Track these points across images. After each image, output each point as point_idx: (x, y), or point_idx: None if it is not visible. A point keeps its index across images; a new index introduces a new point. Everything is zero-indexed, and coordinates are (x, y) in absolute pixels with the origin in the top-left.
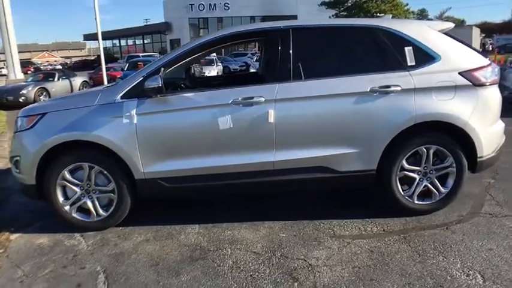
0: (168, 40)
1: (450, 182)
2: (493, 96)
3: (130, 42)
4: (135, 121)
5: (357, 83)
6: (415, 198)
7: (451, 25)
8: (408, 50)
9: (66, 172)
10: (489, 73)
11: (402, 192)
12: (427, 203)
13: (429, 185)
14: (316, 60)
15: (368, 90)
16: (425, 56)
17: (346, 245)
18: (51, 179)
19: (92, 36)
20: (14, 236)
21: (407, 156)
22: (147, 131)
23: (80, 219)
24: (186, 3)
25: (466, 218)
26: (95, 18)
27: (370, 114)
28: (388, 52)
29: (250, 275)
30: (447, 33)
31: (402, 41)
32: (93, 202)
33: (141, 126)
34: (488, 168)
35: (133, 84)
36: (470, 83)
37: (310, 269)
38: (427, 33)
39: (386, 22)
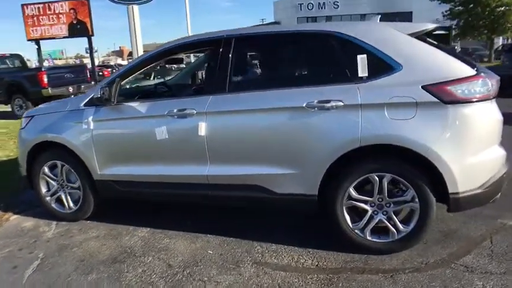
0: None
1: (414, 220)
2: (479, 116)
3: None
4: (91, 127)
5: (292, 97)
6: (368, 233)
7: (427, 26)
8: (361, 58)
9: (45, 168)
10: (474, 87)
11: (351, 225)
12: (384, 241)
13: (385, 221)
14: (257, 71)
15: (304, 105)
16: (382, 66)
17: (261, 274)
18: (36, 172)
19: None
20: (13, 217)
21: (356, 183)
22: (100, 136)
23: (57, 210)
24: (295, 2)
25: (429, 267)
26: (186, 23)
27: (306, 133)
28: (336, 61)
29: (143, 287)
30: (421, 36)
31: (355, 48)
32: (66, 196)
33: (95, 132)
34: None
35: (94, 93)
36: (437, 100)
37: None
38: (390, 38)
39: (339, 26)
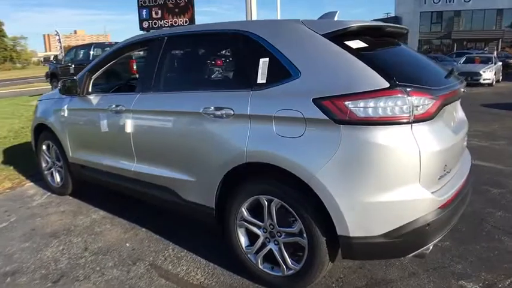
0: None
1: (304, 258)
2: (386, 143)
3: None
4: (66, 114)
5: (194, 101)
6: (260, 261)
7: (350, 25)
8: (263, 62)
9: (44, 146)
10: (382, 104)
11: (244, 248)
12: (275, 274)
13: (275, 252)
14: (176, 72)
15: (201, 110)
16: (281, 72)
17: (143, 277)
18: (38, 149)
19: None
20: (27, 184)
21: (247, 203)
22: (70, 123)
23: (51, 183)
24: None
25: None
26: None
27: (201, 140)
28: (241, 64)
29: (45, 265)
30: (341, 38)
31: (260, 49)
32: (55, 173)
33: (68, 119)
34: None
35: None
36: (326, 117)
37: (77, 284)
38: (297, 39)
39: (248, 25)
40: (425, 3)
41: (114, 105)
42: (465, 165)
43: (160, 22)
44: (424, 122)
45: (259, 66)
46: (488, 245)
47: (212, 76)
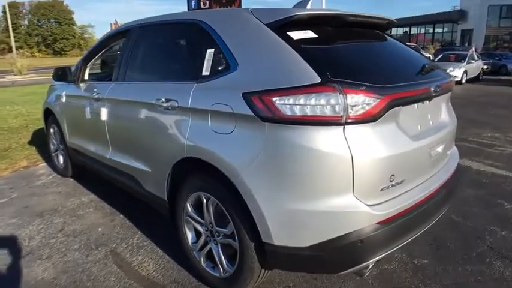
0: (459, 30)
1: (236, 261)
2: (313, 146)
3: (422, 30)
4: (64, 100)
5: (150, 92)
6: (202, 259)
7: (295, 13)
8: (209, 53)
9: (51, 129)
10: (311, 101)
11: (190, 243)
12: (214, 274)
13: (214, 251)
14: (141, 62)
15: (153, 101)
16: (223, 64)
17: (98, 263)
18: (47, 132)
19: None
20: (41, 164)
21: (190, 199)
22: (66, 109)
23: (57, 165)
24: None
25: None
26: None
27: (154, 132)
28: (193, 55)
29: (19, 242)
30: (282, 26)
31: (209, 40)
32: (59, 155)
33: (65, 105)
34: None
35: None
36: (252, 114)
37: (39, 262)
38: (241, 30)
39: (203, 14)
40: None
41: (95, 93)
42: (440, 176)
43: None
44: (363, 124)
45: (206, 58)
46: (474, 268)
47: (168, 67)
